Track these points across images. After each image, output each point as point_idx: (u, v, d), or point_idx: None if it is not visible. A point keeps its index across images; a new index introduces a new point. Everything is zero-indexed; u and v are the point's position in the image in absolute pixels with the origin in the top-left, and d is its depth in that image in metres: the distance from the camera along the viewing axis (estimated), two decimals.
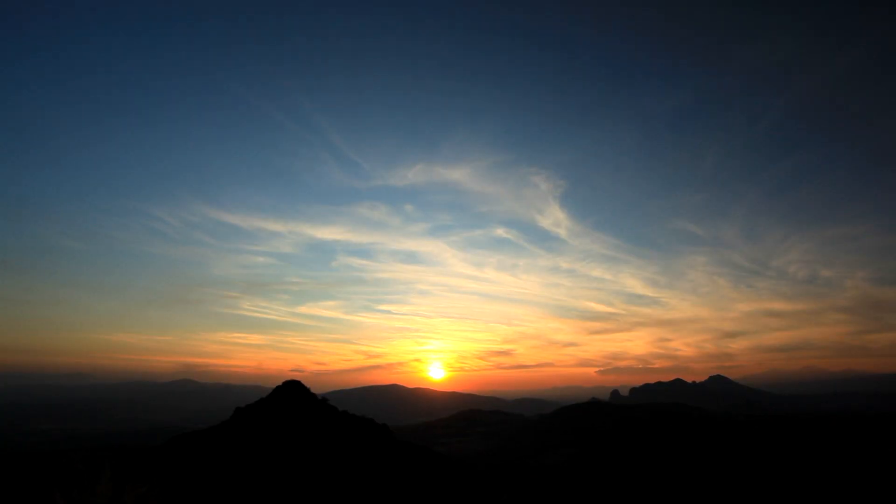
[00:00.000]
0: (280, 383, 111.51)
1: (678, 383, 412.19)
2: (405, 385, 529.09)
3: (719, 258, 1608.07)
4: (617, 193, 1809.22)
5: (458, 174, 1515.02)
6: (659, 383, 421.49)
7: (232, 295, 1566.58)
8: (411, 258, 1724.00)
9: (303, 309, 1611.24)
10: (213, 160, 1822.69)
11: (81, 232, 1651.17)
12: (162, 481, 65.91)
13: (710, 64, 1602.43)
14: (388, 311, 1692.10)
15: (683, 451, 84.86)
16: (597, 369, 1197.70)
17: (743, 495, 57.49)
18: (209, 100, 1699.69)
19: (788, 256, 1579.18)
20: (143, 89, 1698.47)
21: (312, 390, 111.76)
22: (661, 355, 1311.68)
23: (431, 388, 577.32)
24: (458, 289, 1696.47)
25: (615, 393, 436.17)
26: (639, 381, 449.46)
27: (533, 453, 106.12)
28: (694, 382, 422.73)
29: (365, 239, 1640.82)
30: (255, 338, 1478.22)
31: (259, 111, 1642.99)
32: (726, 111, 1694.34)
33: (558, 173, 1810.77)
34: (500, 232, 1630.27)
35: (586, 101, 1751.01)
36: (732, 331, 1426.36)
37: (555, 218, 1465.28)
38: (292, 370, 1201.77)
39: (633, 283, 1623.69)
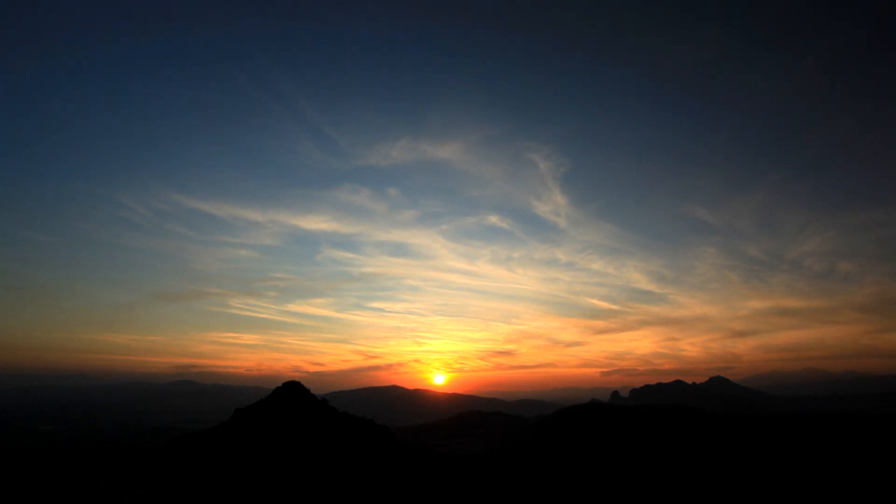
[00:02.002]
0: (280, 384, 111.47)
1: (678, 385, 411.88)
2: (405, 386, 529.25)
3: (731, 250, 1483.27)
4: (620, 174, 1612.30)
5: (447, 151, 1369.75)
6: (659, 384, 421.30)
7: (218, 292, 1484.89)
8: (400, 250, 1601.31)
9: (292, 307, 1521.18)
10: (177, 139, 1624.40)
11: (45, 223, 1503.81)
12: (162, 482, 65.69)
13: (728, 16, 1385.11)
14: (381, 310, 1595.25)
15: (683, 451, 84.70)
16: (600, 370, 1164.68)
17: (743, 495, 57.38)
18: (168, 70, 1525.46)
19: (806, 247, 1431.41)
20: (97, 61, 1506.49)
21: (312, 391, 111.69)
22: (667, 356, 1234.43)
23: (431, 389, 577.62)
24: (450, 284, 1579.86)
25: (615, 394, 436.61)
26: (643, 382, 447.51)
27: (533, 454, 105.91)
28: (694, 384, 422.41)
29: (349, 229, 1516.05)
30: (248, 338, 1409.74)
31: (224, 81, 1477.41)
32: (747, 72, 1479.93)
33: (560, 150, 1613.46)
34: (494, 220, 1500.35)
35: (589, 63, 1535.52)
36: (742, 330, 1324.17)
37: (554, 204, 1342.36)
38: (293, 371, 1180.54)
39: (637, 277, 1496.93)
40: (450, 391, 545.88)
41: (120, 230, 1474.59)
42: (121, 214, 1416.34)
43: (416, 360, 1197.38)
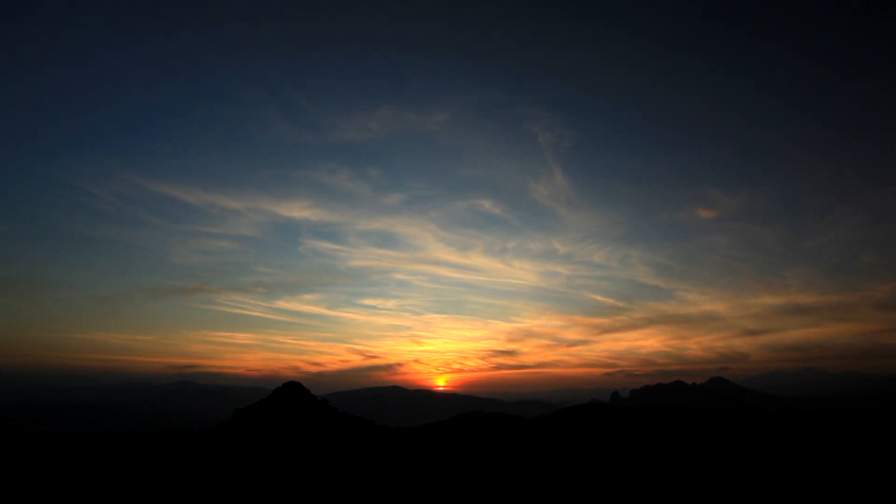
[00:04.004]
0: (279, 385, 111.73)
1: (678, 385, 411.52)
2: (405, 387, 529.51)
3: (744, 239, 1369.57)
4: (625, 153, 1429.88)
5: (434, 122, 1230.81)
6: (659, 385, 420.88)
7: (203, 288, 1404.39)
8: (386, 241, 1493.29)
9: (281, 304, 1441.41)
10: (134, 114, 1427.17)
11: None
12: (162, 483, 65.72)
13: None
14: (374, 307, 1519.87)
15: (682, 450, 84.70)
16: (603, 370, 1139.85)
17: (743, 494, 57.42)
18: (120, 41, 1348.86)
19: (829, 235, 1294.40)
20: (50, 37, 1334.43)
21: (312, 391, 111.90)
22: (674, 355, 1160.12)
23: (432, 389, 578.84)
24: (442, 279, 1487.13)
25: (615, 395, 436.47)
26: (648, 383, 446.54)
27: (533, 455, 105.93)
28: (694, 384, 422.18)
29: (331, 217, 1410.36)
30: (242, 337, 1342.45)
31: (176, 39, 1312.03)
32: (765, 38, 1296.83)
33: (565, 120, 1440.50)
34: (487, 205, 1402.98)
35: (600, 21, 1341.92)
36: (754, 329, 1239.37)
37: (553, 186, 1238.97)
38: (293, 371, 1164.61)
39: (643, 270, 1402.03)
40: (450, 391, 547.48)
41: (84, 218, 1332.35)
42: (83, 201, 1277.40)
43: (416, 360, 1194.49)
